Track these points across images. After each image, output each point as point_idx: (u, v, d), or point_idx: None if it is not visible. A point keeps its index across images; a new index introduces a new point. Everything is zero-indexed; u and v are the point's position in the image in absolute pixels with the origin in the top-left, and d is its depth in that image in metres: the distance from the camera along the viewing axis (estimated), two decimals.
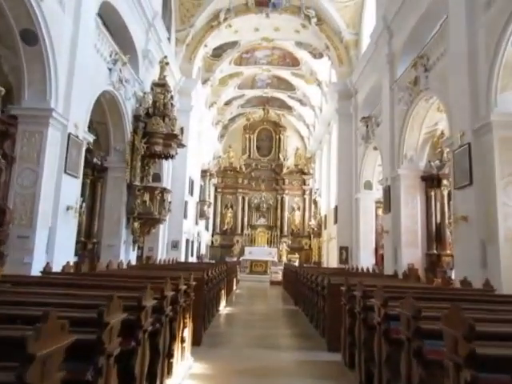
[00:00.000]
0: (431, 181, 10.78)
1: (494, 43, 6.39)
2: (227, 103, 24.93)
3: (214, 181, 24.82)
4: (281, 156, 26.47)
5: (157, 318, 3.33)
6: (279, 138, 26.88)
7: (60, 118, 6.88)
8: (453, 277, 8.14)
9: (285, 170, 26.08)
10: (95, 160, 10.46)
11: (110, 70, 9.12)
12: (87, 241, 10.25)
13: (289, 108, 26.35)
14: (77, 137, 7.33)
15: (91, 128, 10.44)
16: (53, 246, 6.82)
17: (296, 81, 22.31)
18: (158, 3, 12.28)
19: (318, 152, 24.18)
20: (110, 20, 9.47)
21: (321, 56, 19.21)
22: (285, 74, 21.97)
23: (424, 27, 9.75)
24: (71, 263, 6.34)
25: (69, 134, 7.05)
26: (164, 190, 11.22)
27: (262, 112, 26.87)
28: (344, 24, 15.64)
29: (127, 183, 10.60)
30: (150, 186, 11.10)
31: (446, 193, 10.65)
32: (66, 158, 7.00)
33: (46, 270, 5.57)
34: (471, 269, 6.59)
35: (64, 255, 6.87)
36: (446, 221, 10.45)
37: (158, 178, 14.07)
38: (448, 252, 10.33)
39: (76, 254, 8.89)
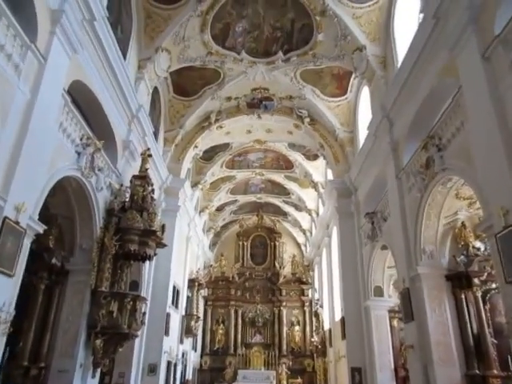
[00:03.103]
0: (459, 280, 8.98)
1: None
2: (219, 209, 23.88)
3: (204, 292, 22.49)
4: (276, 264, 24.58)
5: None
6: (274, 245, 25.30)
7: None
8: None
9: (281, 280, 23.94)
10: (54, 261, 8.70)
11: (78, 153, 7.93)
12: (31, 365, 7.96)
13: (284, 214, 25.31)
14: (17, 223, 5.73)
15: (54, 224, 8.95)
16: None
17: (290, 185, 21.57)
18: (144, 98, 11.72)
19: (317, 258, 22.40)
20: (86, 102, 8.58)
21: (315, 158, 18.72)
22: (278, 177, 21.30)
23: (429, 108, 8.93)
24: None
25: (4, 218, 5.47)
26: (137, 298, 9.23)
27: (255, 218, 25.75)
28: (338, 122, 15.25)
29: (91, 289, 8.68)
30: (118, 292, 9.15)
31: (479, 294, 8.79)
32: None
33: None
34: None
35: None
36: (486, 330, 8.41)
37: (135, 286, 12.13)
38: (495, 372, 8.09)
39: None
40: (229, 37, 12.69)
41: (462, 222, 9.46)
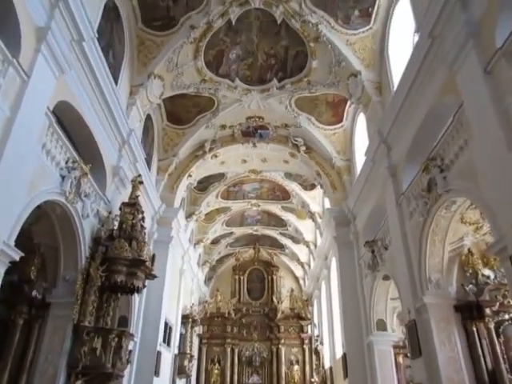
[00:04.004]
0: (469, 311, 8.38)
1: None
2: (215, 242, 23.28)
3: (199, 329, 21.48)
4: (274, 299, 23.67)
5: None
6: (272, 279, 24.47)
7: None
8: None
9: (279, 315, 22.96)
10: (35, 293, 8.10)
11: (62, 177, 7.51)
12: None
13: (281, 246, 24.71)
14: None
15: (37, 253, 8.42)
16: None
17: (287, 216, 21.12)
18: (136, 124, 11.45)
19: (316, 292, 21.63)
20: (73, 124, 8.24)
21: (312, 188, 18.40)
22: (275, 208, 20.86)
23: (429, 129, 8.65)
24: None
25: None
26: (122, 334, 8.54)
27: (252, 251, 25.06)
28: (334, 151, 15.01)
29: (74, 324, 8.03)
30: (103, 327, 8.48)
31: (492, 326, 8.19)
32: None
33: None
34: None
35: None
36: (502, 365, 7.75)
37: (124, 322, 11.42)
38: None
39: None
40: (223, 64, 12.62)
41: (469, 249, 8.99)
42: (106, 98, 8.93)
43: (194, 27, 11.08)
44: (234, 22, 11.25)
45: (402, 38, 10.00)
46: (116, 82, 9.87)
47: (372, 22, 10.87)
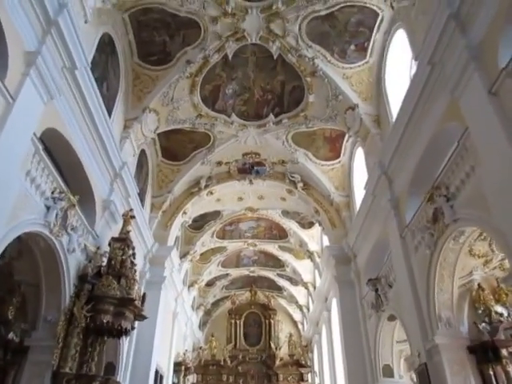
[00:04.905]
0: (484, 352, 7.74)
1: None
2: (210, 284, 22.48)
3: (192, 378, 20.22)
4: (272, 345, 22.49)
5: None
6: (269, 324, 23.42)
7: None
8: None
9: (278, 362, 21.73)
10: (12, 335, 7.42)
11: (47, 208, 7.06)
12: None
13: (278, 289, 23.89)
14: None
15: (17, 292, 7.83)
16: None
17: (285, 256, 20.50)
18: (130, 158, 11.15)
19: (316, 337, 20.59)
20: (61, 153, 7.89)
21: (310, 226, 17.97)
22: (272, 248, 20.28)
23: (431, 158, 8.38)
24: None
25: None
26: (108, 382, 7.78)
27: (248, 294, 24.19)
28: (332, 187, 14.71)
29: (53, 370, 7.28)
30: (86, 374, 7.71)
31: (511, 369, 7.51)
32: None
33: None
34: None
35: None
36: None
37: (111, 369, 10.56)
38: None
39: None
40: (219, 99, 12.54)
41: (479, 284, 8.47)
42: (98, 128, 8.66)
43: (190, 62, 11.06)
44: (230, 57, 11.26)
45: (399, 68, 9.98)
46: (110, 115, 9.66)
47: (368, 55, 10.90)
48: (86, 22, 7.87)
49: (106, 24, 9.21)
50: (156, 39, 10.64)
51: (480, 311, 8.25)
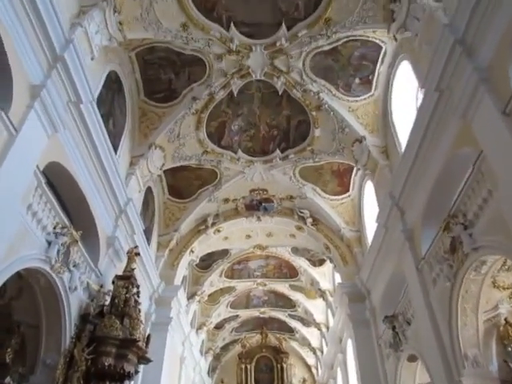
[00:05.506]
0: None
1: None
2: (219, 326, 21.69)
3: None
4: None
5: None
6: (281, 368, 22.32)
7: None
8: None
9: None
10: (8, 380, 6.95)
11: (49, 243, 6.83)
12: None
13: (290, 330, 23.01)
14: None
15: (16, 333, 7.45)
16: None
17: (296, 295, 19.84)
18: (135, 194, 11.01)
19: (331, 382, 19.44)
20: (65, 187, 7.75)
21: (321, 263, 17.50)
22: (282, 287, 19.68)
23: (445, 185, 8.12)
24: None
25: None
26: None
27: (259, 337, 23.25)
28: (342, 222, 14.37)
29: None
30: None
31: None
32: None
33: None
34: None
35: None
36: None
37: None
38: None
39: None
40: (225, 135, 12.56)
41: (505, 319, 7.90)
42: (103, 163, 8.58)
43: (196, 99, 11.16)
44: (235, 94, 11.33)
45: (405, 99, 9.92)
46: (116, 151, 9.64)
47: (373, 88, 10.93)
48: (92, 58, 7.98)
49: (112, 62, 9.37)
50: (162, 77, 10.80)
51: (510, 348, 7.64)
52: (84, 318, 7.94)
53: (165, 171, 12.85)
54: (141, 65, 10.39)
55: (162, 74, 10.70)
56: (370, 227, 12.84)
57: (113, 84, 9.72)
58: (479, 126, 6.39)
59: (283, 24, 9.68)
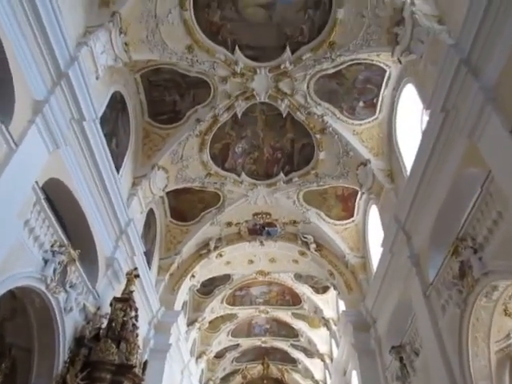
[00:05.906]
0: None
1: None
2: (219, 356, 21.06)
3: None
4: None
5: None
6: None
7: None
8: None
9: None
10: None
11: (45, 261, 6.65)
12: None
13: (293, 361, 22.29)
14: None
15: (7, 356, 7.18)
16: None
17: (299, 324, 19.31)
18: (137, 215, 10.87)
19: None
20: (64, 204, 7.61)
21: (325, 290, 17.11)
22: (285, 315, 19.19)
23: (452, 208, 7.91)
24: None
25: None
26: None
27: (260, 367, 22.52)
28: (347, 247, 14.08)
29: None
30: None
31: None
32: None
33: None
34: None
35: None
36: None
37: None
38: None
39: None
40: (228, 158, 12.50)
41: None
42: (104, 182, 8.48)
43: (199, 120, 11.16)
44: (239, 116, 11.33)
45: (410, 121, 9.87)
46: (118, 171, 9.55)
47: (377, 112, 10.91)
48: (97, 78, 8.00)
49: (118, 83, 9.43)
50: (166, 98, 10.85)
51: None
52: (79, 341, 7.66)
53: (167, 193, 12.75)
54: (146, 86, 10.46)
55: (166, 95, 10.75)
56: (375, 253, 12.56)
57: (117, 104, 9.75)
58: (486, 145, 6.26)
59: (287, 47, 9.75)
